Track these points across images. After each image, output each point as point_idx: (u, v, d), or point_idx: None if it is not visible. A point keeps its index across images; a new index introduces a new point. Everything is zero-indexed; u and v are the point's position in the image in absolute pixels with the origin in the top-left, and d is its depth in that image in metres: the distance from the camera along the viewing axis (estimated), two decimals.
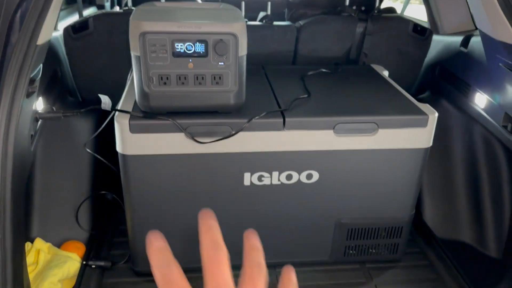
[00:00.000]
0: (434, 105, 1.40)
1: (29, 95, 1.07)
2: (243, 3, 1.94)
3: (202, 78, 1.20)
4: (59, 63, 1.68)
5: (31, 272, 1.44)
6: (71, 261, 1.48)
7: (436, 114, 1.36)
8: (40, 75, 1.16)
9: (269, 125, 1.30)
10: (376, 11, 1.90)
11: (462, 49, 1.67)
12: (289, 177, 1.38)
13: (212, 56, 1.17)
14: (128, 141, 1.26)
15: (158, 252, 0.37)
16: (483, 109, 1.52)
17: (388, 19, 1.90)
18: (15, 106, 1.01)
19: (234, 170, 1.35)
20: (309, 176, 1.39)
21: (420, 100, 1.45)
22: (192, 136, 1.26)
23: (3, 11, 1.01)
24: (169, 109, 1.25)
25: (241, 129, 1.26)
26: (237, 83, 1.22)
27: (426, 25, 2.03)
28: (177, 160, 1.31)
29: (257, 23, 1.90)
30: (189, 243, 1.48)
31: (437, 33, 1.97)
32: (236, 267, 1.57)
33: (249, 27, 1.21)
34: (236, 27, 1.16)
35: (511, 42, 1.30)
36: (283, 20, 2.10)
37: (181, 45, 1.15)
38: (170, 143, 1.28)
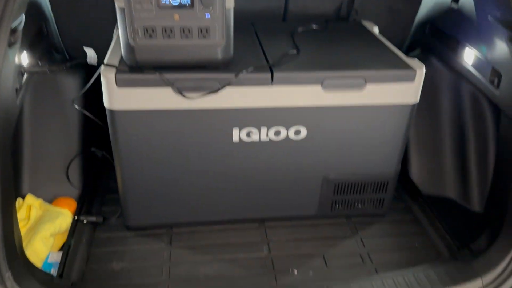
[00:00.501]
0: (424, 62, 1.40)
1: (11, 44, 1.05)
2: None
3: (189, 31, 1.18)
4: (44, 20, 1.65)
5: (23, 227, 1.46)
6: (63, 217, 1.50)
7: (424, 69, 1.37)
8: (22, 26, 1.14)
9: (257, 80, 1.30)
10: None
11: (453, 5, 1.65)
12: (277, 133, 1.39)
13: (198, 7, 1.15)
14: (115, 96, 1.25)
15: None
16: (471, 65, 1.53)
17: None
18: None
19: (223, 126, 1.36)
20: (297, 132, 1.40)
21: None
22: (180, 91, 1.25)
23: None
24: (156, 64, 1.24)
25: (229, 84, 1.26)
26: (224, 37, 1.21)
27: None
28: (165, 115, 1.31)
29: None
30: (177, 199, 1.51)
31: None
32: (225, 222, 1.61)
33: None
34: None
35: None
36: None
37: None
38: (158, 98, 1.27)
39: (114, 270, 1.41)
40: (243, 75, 1.27)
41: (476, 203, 1.62)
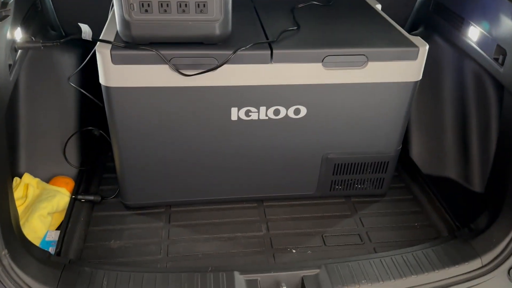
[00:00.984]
0: (426, 40, 1.37)
1: (2, 18, 1.02)
2: None
3: (186, 5, 1.15)
4: None
5: (20, 206, 1.46)
6: (60, 195, 1.50)
7: (427, 47, 1.34)
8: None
9: (256, 58, 1.27)
10: None
11: None
12: (276, 112, 1.37)
13: None
14: (111, 73, 1.23)
15: None
16: (475, 43, 1.49)
17: None
18: None
19: (221, 104, 1.34)
20: (296, 111, 1.38)
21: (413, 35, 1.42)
22: (177, 68, 1.23)
23: None
24: (152, 39, 1.21)
25: (227, 61, 1.23)
26: (222, 12, 1.17)
27: None
28: (161, 93, 1.29)
29: None
30: (175, 178, 1.50)
31: None
32: (224, 201, 1.59)
33: None
34: None
35: None
36: None
37: None
38: (154, 75, 1.25)
39: (112, 248, 1.41)
40: (241, 52, 1.24)
41: (476, 183, 1.61)
